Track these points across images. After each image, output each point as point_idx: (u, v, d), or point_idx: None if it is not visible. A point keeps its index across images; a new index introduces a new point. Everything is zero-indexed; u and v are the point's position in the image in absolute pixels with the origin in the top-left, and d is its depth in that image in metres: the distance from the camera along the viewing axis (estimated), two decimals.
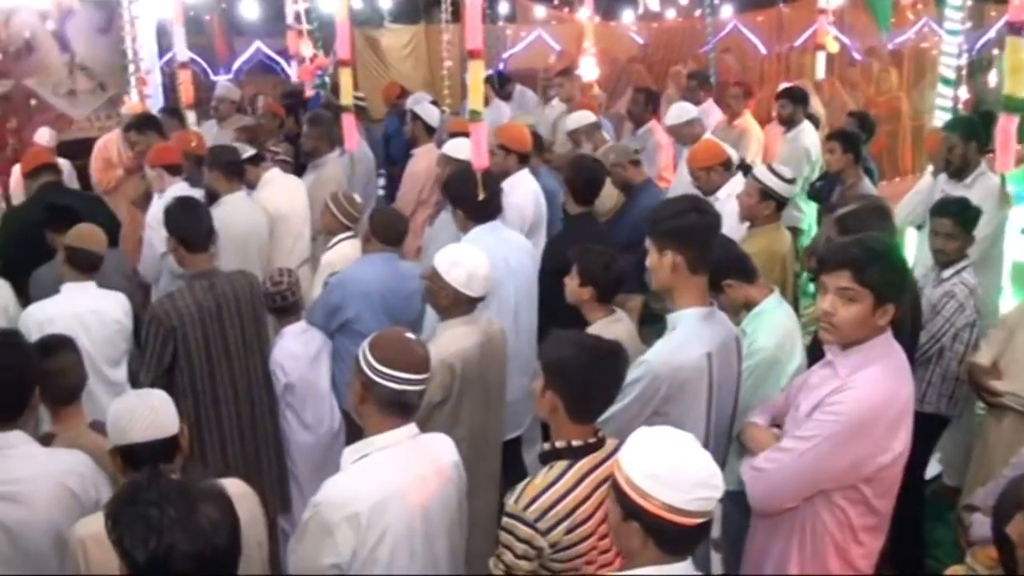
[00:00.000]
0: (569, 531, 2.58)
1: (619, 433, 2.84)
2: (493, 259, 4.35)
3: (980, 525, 2.90)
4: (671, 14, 13.67)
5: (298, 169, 6.74)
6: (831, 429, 2.68)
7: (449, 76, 11.30)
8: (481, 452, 3.75)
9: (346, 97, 6.11)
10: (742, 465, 2.96)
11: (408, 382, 2.66)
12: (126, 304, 4.51)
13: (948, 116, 7.62)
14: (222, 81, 9.73)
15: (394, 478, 2.63)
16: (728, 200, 5.14)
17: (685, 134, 6.74)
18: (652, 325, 5.59)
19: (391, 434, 2.68)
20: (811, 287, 6.23)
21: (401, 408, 2.69)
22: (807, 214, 7.35)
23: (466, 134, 6.10)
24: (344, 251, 4.93)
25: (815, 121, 8.04)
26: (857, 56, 12.67)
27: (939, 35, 9.41)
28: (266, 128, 7.58)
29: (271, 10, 10.79)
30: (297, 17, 9.65)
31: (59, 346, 3.33)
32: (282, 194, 5.96)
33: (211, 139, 6.99)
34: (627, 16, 13.34)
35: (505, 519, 2.61)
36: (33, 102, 9.36)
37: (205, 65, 11.51)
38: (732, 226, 4.67)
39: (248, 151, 5.90)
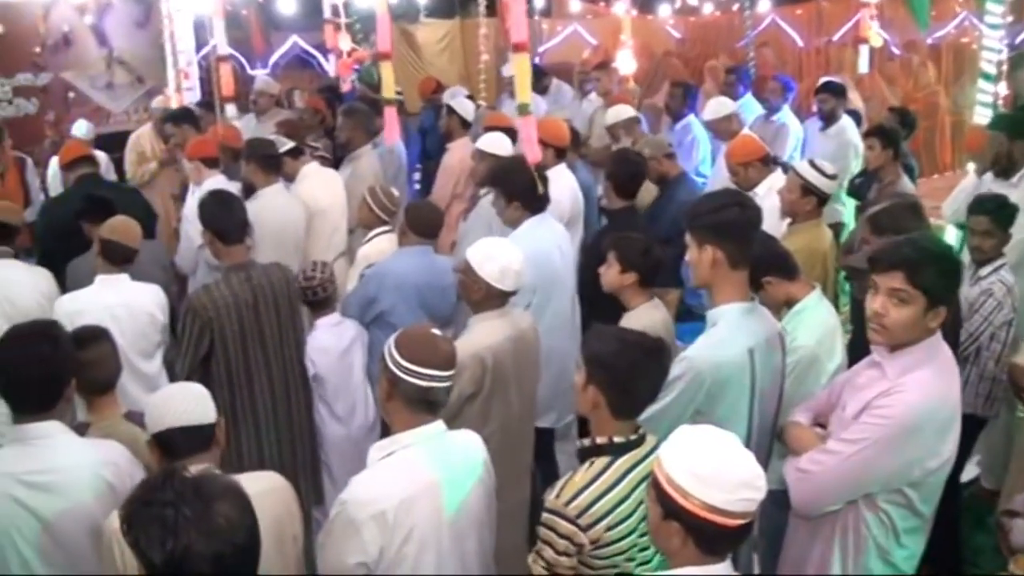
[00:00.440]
0: (610, 528, 2.55)
1: (661, 432, 2.80)
2: (548, 249, 4.44)
3: (1021, 532, 2.84)
4: (708, 8, 13.56)
5: (335, 163, 6.75)
6: (879, 432, 2.62)
7: (485, 71, 11.26)
8: (512, 446, 3.73)
9: (387, 91, 6.11)
10: (785, 465, 2.91)
11: (434, 379, 2.63)
12: (160, 297, 4.51)
13: (989, 112, 7.48)
14: (261, 75, 9.76)
15: (421, 476, 2.61)
16: (767, 196, 5.08)
17: (723, 129, 6.69)
18: (687, 322, 5.56)
19: (418, 431, 2.65)
20: (846, 286, 6.14)
21: (427, 405, 2.66)
22: (849, 207, 7.26)
23: (502, 128, 6.11)
24: (380, 245, 4.92)
25: (857, 117, 7.93)
26: (896, 51, 12.49)
27: (979, 29, 9.22)
28: (306, 123, 7.60)
29: (308, 5, 10.83)
30: (335, 11, 9.68)
31: (94, 337, 3.34)
32: (320, 187, 5.97)
33: (249, 133, 7.01)
34: (664, 10, 13.24)
35: (545, 515, 2.59)
36: (71, 95, 9.49)
37: (242, 59, 11.57)
38: (772, 222, 4.62)
39: (287, 144, 5.91)
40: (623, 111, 7.18)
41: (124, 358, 3.73)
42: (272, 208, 5.37)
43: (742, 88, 9.22)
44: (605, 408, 2.66)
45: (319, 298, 4.41)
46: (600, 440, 2.67)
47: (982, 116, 7.46)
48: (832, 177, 4.86)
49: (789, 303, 3.82)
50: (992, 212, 4.52)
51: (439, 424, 2.71)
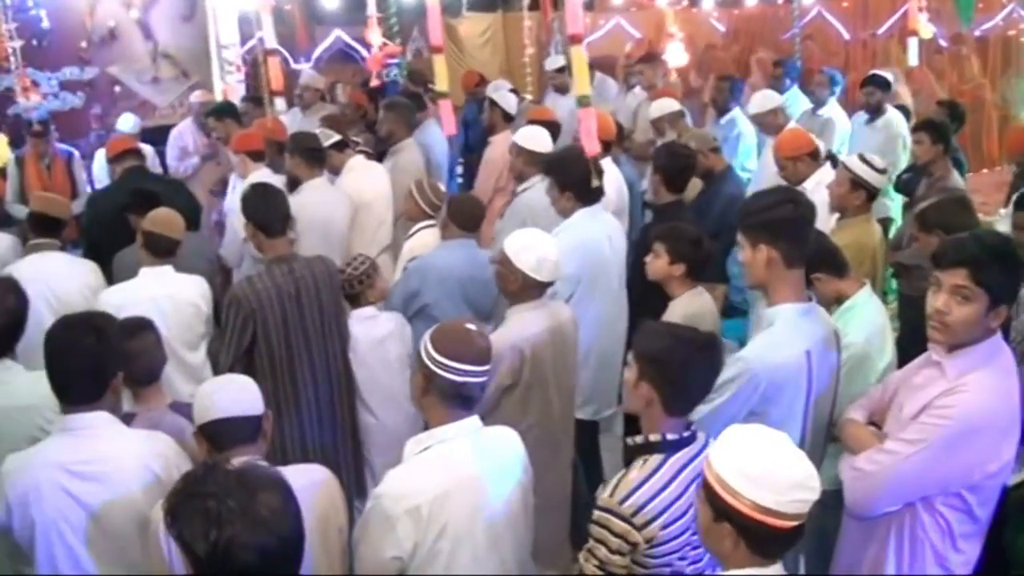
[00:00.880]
0: (664, 527, 2.52)
1: (714, 434, 2.76)
2: (597, 240, 4.43)
3: None
4: (752, 0, 13.40)
5: (378, 157, 6.76)
6: (940, 433, 2.56)
7: (531, 64, 11.23)
8: (552, 439, 3.72)
9: (441, 83, 6.11)
10: (841, 464, 2.85)
11: (469, 374, 2.62)
12: (204, 287, 4.54)
13: None
14: (306, 69, 9.80)
15: (456, 471, 2.59)
16: (816, 190, 5.00)
17: (769, 123, 6.59)
18: (731, 318, 5.51)
19: (453, 426, 2.64)
20: (894, 283, 6.05)
21: (462, 400, 2.65)
22: (897, 202, 7.14)
23: (545, 122, 6.08)
24: (425, 239, 4.92)
25: (905, 112, 7.81)
26: (944, 43, 12.28)
27: None
28: (349, 118, 7.62)
29: None
30: (378, 5, 9.68)
31: (139, 328, 3.37)
32: (365, 181, 5.97)
33: (294, 127, 7.06)
34: (707, 2, 13.11)
35: (598, 513, 2.56)
36: (117, 89, 9.58)
37: (286, 53, 11.62)
38: (821, 217, 4.51)
39: (333, 137, 5.92)
40: (668, 104, 7.10)
41: (169, 349, 3.77)
42: (316, 202, 5.38)
43: (788, 81, 9.12)
44: (658, 405, 2.63)
45: (355, 291, 4.41)
46: (653, 437, 2.64)
47: None
48: (882, 171, 4.79)
49: (839, 300, 3.75)
50: None
51: (474, 420, 2.69)
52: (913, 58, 9.42)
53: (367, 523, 2.58)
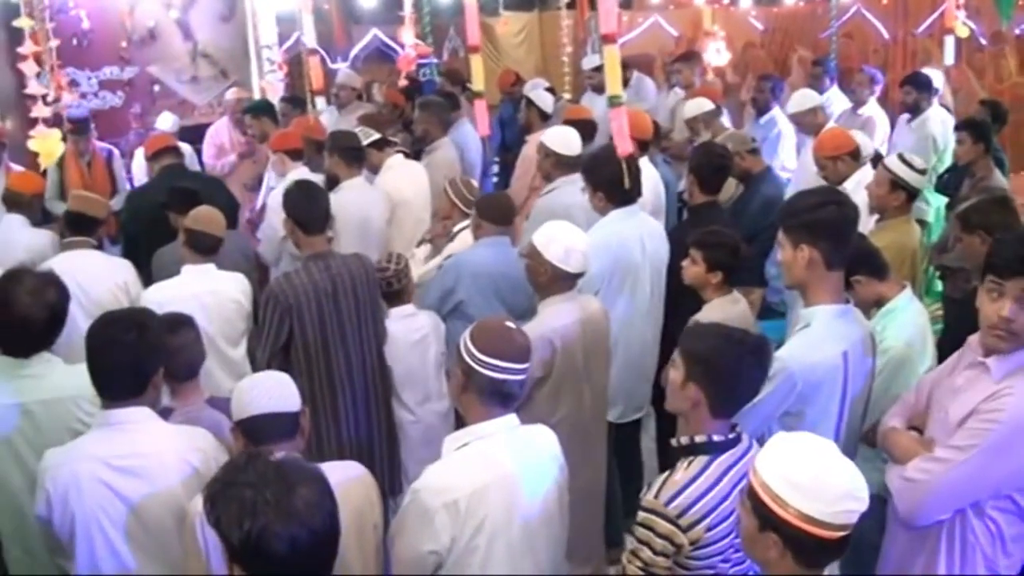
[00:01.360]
0: (710, 529, 2.51)
1: (751, 432, 2.74)
2: (628, 241, 4.39)
3: None
4: None
5: (415, 156, 6.77)
6: (990, 438, 2.51)
7: (569, 63, 11.21)
8: (584, 433, 3.71)
9: (477, 83, 6.10)
10: (888, 473, 2.80)
11: (509, 371, 2.62)
12: (245, 285, 4.58)
13: None
14: (343, 68, 9.84)
15: (494, 468, 2.60)
16: (856, 191, 4.94)
17: (808, 122, 6.52)
18: (767, 319, 5.46)
19: (492, 423, 2.65)
20: (938, 285, 5.96)
21: (502, 398, 2.65)
22: (933, 206, 7.04)
23: (582, 121, 6.06)
24: (465, 238, 4.93)
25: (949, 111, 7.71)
26: (983, 41, 12.08)
27: None
28: (386, 117, 7.65)
29: None
30: (414, 4, 9.70)
31: (179, 324, 3.39)
32: (404, 179, 6.00)
33: (331, 126, 7.09)
34: (746, 0, 13.00)
35: (643, 514, 2.55)
36: (156, 88, 9.65)
37: (323, 53, 11.67)
38: (860, 218, 4.50)
39: (372, 136, 5.95)
40: (702, 104, 7.03)
41: (211, 345, 3.81)
42: (355, 200, 5.40)
43: (828, 80, 9.03)
44: (705, 406, 2.61)
45: (392, 289, 4.42)
46: (699, 439, 2.62)
47: None
48: (922, 171, 4.74)
49: (879, 303, 3.71)
50: None
51: (512, 417, 2.69)
52: (949, 57, 9.27)
53: (405, 517, 2.59)
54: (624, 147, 4.42)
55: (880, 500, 2.73)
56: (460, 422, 4.45)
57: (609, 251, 4.25)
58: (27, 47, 6.30)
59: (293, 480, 1.82)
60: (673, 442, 2.71)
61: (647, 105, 8.36)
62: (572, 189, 4.92)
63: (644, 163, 5.43)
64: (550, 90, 7.67)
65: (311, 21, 7.71)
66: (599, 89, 8.86)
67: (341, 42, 11.79)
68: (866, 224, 4.68)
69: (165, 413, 3.13)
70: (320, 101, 7.66)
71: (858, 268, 3.65)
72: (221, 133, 8.20)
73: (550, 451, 2.79)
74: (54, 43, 6.77)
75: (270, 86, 8.85)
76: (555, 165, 5.22)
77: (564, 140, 5.26)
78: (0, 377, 3.16)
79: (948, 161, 7.04)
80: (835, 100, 8.38)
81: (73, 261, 4.62)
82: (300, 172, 5.66)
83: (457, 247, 4.91)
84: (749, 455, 2.60)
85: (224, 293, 4.43)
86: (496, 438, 2.63)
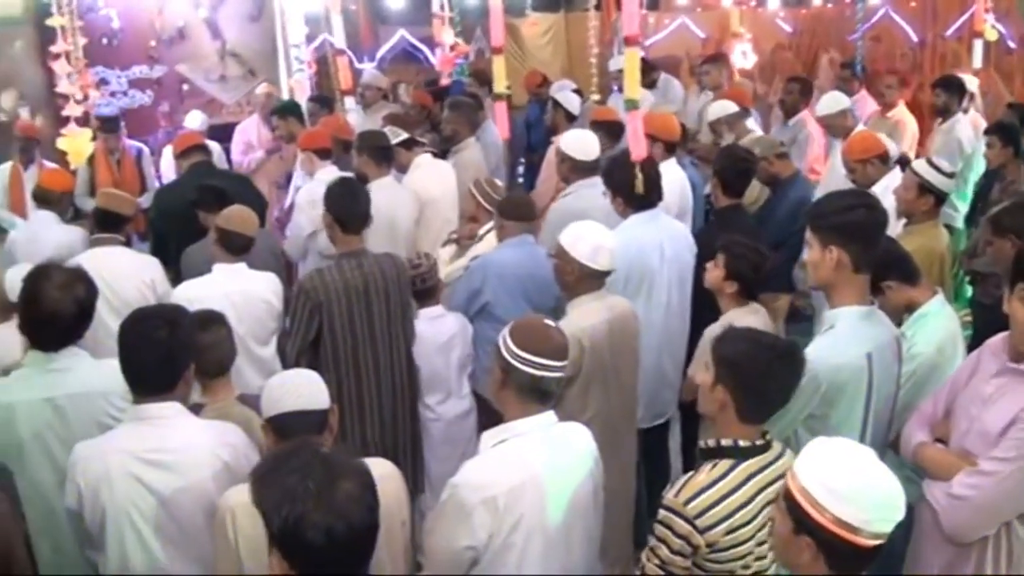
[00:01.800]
0: (728, 532, 2.50)
1: (776, 435, 2.74)
2: (646, 245, 4.35)
3: None
4: (818, 0, 13.19)
5: (442, 157, 6.79)
6: None
7: (597, 65, 11.20)
8: (612, 435, 3.70)
9: (499, 85, 6.11)
10: (930, 490, 2.79)
11: (547, 368, 2.64)
12: (276, 284, 4.58)
13: None
14: (368, 69, 9.88)
15: (532, 465, 2.61)
16: (884, 195, 4.88)
17: (837, 125, 6.47)
18: (796, 323, 5.44)
19: (529, 420, 2.66)
20: (968, 290, 5.92)
21: (539, 395, 2.67)
22: (962, 212, 6.99)
23: (609, 122, 6.05)
24: (492, 240, 4.92)
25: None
26: (1012, 44, 11.96)
27: None
28: (413, 118, 7.68)
29: None
30: (443, 5, 9.74)
31: (211, 321, 3.42)
32: (432, 178, 6.01)
33: (357, 126, 7.11)
34: (773, 2, 12.93)
35: (663, 513, 2.55)
36: (185, 87, 9.75)
37: (350, 53, 11.71)
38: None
39: (401, 135, 5.97)
40: (725, 106, 6.96)
41: (241, 344, 3.82)
42: (383, 199, 5.35)
43: (856, 83, 8.97)
44: (732, 410, 2.61)
45: (423, 287, 4.45)
46: (725, 442, 2.62)
47: None
48: (950, 175, 4.70)
49: (910, 308, 3.68)
50: None
51: (550, 415, 2.71)
52: (978, 60, 9.18)
53: (442, 513, 2.61)
54: (638, 151, 4.40)
55: (908, 509, 2.72)
56: (482, 420, 4.51)
57: (626, 255, 4.20)
58: (59, 46, 6.38)
59: (337, 472, 1.84)
60: (700, 444, 2.72)
61: (675, 107, 8.32)
62: (588, 193, 4.91)
63: (671, 165, 5.42)
64: (577, 91, 7.65)
65: (340, 22, 7.75)
66: None
67: (368, 42, 11.82)
68: (894, 228, 4.65)
69: (195, 409, 3.15)
70: (349, 101, 7.71)
71: (889, 273, 3.63)
72: (249, 130, 8.26)
73: (587, 448, 2.81)
74: (82, 41, 6.85)
75: (298, 85, 8.88)
76: (572, 169, 5.20)
77: (581, 144, 5.24)
78: (30, 371, 3.20)
79: (977, 166, 6.98)
80: (863, 103, 8.32)
81: (101, 258, 4.65)
82: (328, 171, 5.67)
83: (483, 248, 4.93)
84: (779, 463, 2.60)
85: (254, 292, 4.44)
86: (534, 435, 2.65)
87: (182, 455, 2.77)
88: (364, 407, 4.17)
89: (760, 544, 2.52)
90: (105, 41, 9.01)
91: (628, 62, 4.58)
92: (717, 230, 4.75)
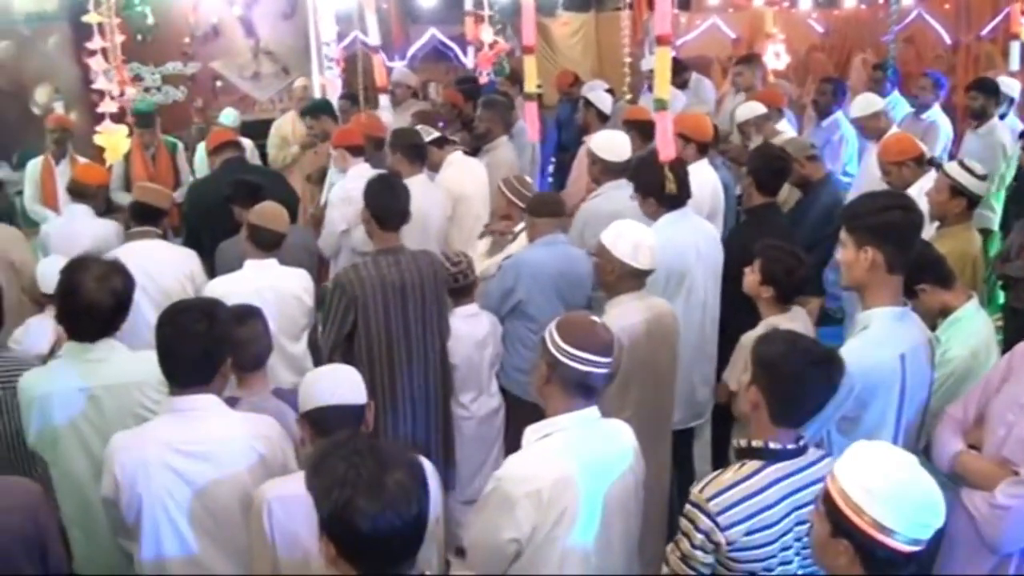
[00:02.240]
0: (749, 533, 2.49)
1: (809, 437, 2.73)
2: (682, 245, 4.35)
3: None
4: (851, 1, 13.09)
5: (473, 155, 6.81)
6: None
7: (630, 64, 11.18)
8: (649, 434, 3.65)
9: (530, 84, 6.10)
10: (970, 499, 2.77)
11: (593, 364, 2.64)
12: (307, 280, 4.60)
13: None
14: (398, 67, 9.93)
15: (575, 459, 2.62)
16: (919, 197, 4.85)
17: (871, 127, 6.44)
18: (827, 327, 5.40)
19: (574, 415, 2.67)
20: (1000, 295, 5.87)
21: (584, 390, 2.67)
22: (999, 214, 6.93)
23: (642, 122, 6.03)
24: (523, 241, 4.92)
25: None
26: None
27: None
28: (443, 116, 7.70)
29: None
30: (478, 3, 9.76)
31: (248, 315, 3.45)
32: (464, 175, 6.05)
33: (387, 124, 7.14)
34: (805, 3, 12.84)
35: (687, 507, 2.57)
36: (218, 84, 9.84)
37: (381, 52, 11.76)
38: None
39: (433, 133, 5.99)
40: (755, 108, 6.93)
41: (272, 340, 3.84)
42: (416, 197, 5.34)
43: (889, 85, 8.90)
44: (764, 412, 2.61)
45: (460, 285, 4.47)
46: (756, 443, 2.61)
47: None
48: (982, 178, 4.67)
49: (944, 312, 3.65)
50: None
51: (594, 410, 2.72)
52: (1015, 62, 9.08)
53: (485, 506, 2.63)
54: (667, 152, 4.38)
55: None
56: (508, 421, 4.53)
57: (665, 255, 4.18)
58: (96, 42, 6.44)
59: (388, 462, 1.86)
60: (733, 443, 2.72)
61: (707, 108, 8.29)
62: (618, 195, 4.91)
63: (703, 165, 5.40)
64: (609, 91, 7.64)
65: (374, 20, 7.78)
66: None
67: (399, 41, 11.88)
68: (927, 231, 4.61)
69: (231, 402, 3.17)
70: (383, 99, 7.75)
71: (923, 276, 3.60)
72: (285, 125, 8.32)
73: (629, 444, 2.81)
74: (120, 39, 6.91)
75: (328, 83, 8.95)
76: (603, 171, 5.20)
77: (612, 146, 5.24)
78: (67, 361, 3.24)
79: (1006, 170, 6.92)
80: (897, 105, 8.27)
81: (141, 250, 4.69)
82: (361, 169, 5.70)
83: (516, 247, 4.94)
84: (812, 469, 2.58)
85: (285, 289, 4.46)
86: (578, 430, 2.66)
87: (219, 447, 2.79)
88: (397, 402, 4.19)
89: (785, 549, 2.51)
90: (140, 37, 9.09)
91: (659, 62, 4.56)
92: (751, 229, 4.73)
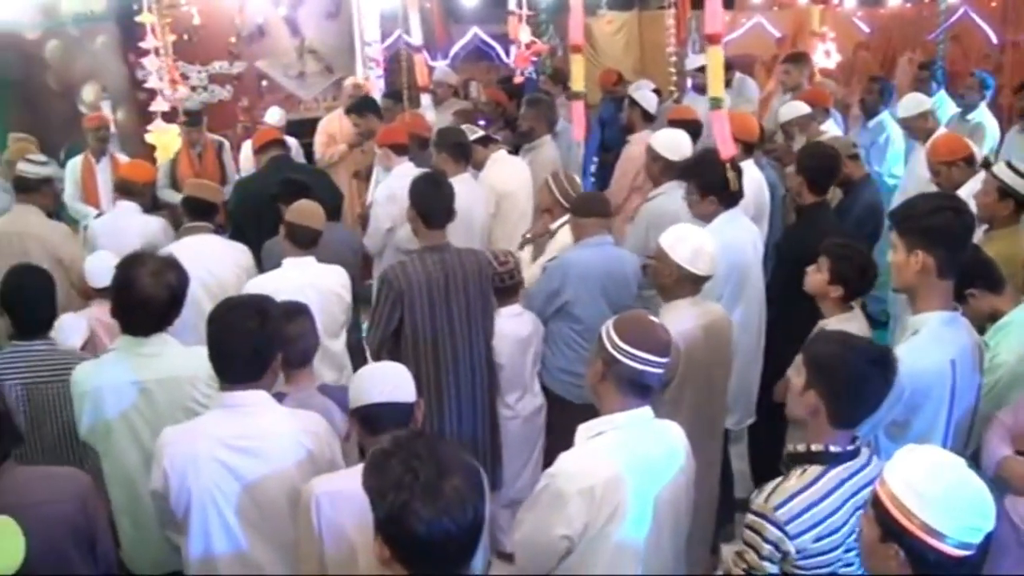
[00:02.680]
0: (817, 539, 2.48)
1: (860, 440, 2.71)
2: (742, 244, 4.37)
3: None
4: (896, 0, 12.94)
5: (515, 154, 6.83)
6: None
7: (675, 63, 11.13)
8: (703, 439, 3.67)
9: (577, 83, 6.10)
10: (1014, 506, 2.75)
11: (649, 363, 2.64)
12: (344, 277, 4.61)
13: None
14: (440, 66, 9.97)
15: (628, 458, 2.62)
16: (967, 200, 4.80)
17: (918, 127, 6.36)
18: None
19: (628, 414, 2.68)
20: None
21: (639, 389, 2.68)
22: None
23: (687, 121, 6.01)
24: (566, 236, 4.91)
25: None
26: None
27: None
28: (485, 114, 7.73)
29: None
30: (519, 3, 9.78)
31: (297, 312, 3.49)
32: (508, 172, 6.09)
33: (430, 123, 7.18)
34: (850, 1, 12.70)
35: (752, 518, 2.54)
36: (264, 83, 9.95)
37: (424, 51, 11.81)
38: None
39: (477, 132, 6.02)
40: (798, 107, 6.83)
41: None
42: (461, 195, 5.35)
43: (935, 84, 8.79)
44: (823, 415, 2.58)
45: (506, 285, 4.48)
46: (815, 447, 2.59)
47: None
48: None
49: (993, 317, 3.59)
50: None
51: (647, 410, 2.72)
52: None
53: (536, 502, 2.64)
54: (727, 150, 4.36)
55: None
56: (555, 418, 4.53)
57: (728, 256, 4.18)
58: (148, 42, 6.54)
59: (447, 467, 1.85)
60: (789, 447, 2.69)
61: (751, 107, 8.23)
62: (679, 195, 4.86)
63: (749, 166, 5.37)
64: (656, 91, 7.61)
65: (417, 20, 7.83)
66: (702, 90, 8.73)
67: (442, 40, 11.92)
68: (975, 234, 4.56)
69: (278, 398, 3.19)
70: (424, 98, 7.78)
71: (973, 280, 3.55)
72: (332, 123, 8.36)
73: (681, 445, 2.81)
74: (171, 38, 7.02)
75: (371, 82, 9.01)
76: (664, 170, 5.18)
77: (674, 144, 5.21)
78: (120, 354, 3.29)
79: None
80: (942, 105, 8.16)
81: (197, 245, 4.77)
82: (405, 168, 5.74)
83: (559, 247, 4.93)
84: (867, 469, 2.56)
85: (324, 286, 4.48)
86: (631, 429, 2.67)
87: (268, 442, 2.82)
88: (443, 401, 4.20)
89: (848, 551, 2.49)
90: (186, 37, 9.19)
91: (711, 60, 4.54)
92: (806, 229, 4.70)
